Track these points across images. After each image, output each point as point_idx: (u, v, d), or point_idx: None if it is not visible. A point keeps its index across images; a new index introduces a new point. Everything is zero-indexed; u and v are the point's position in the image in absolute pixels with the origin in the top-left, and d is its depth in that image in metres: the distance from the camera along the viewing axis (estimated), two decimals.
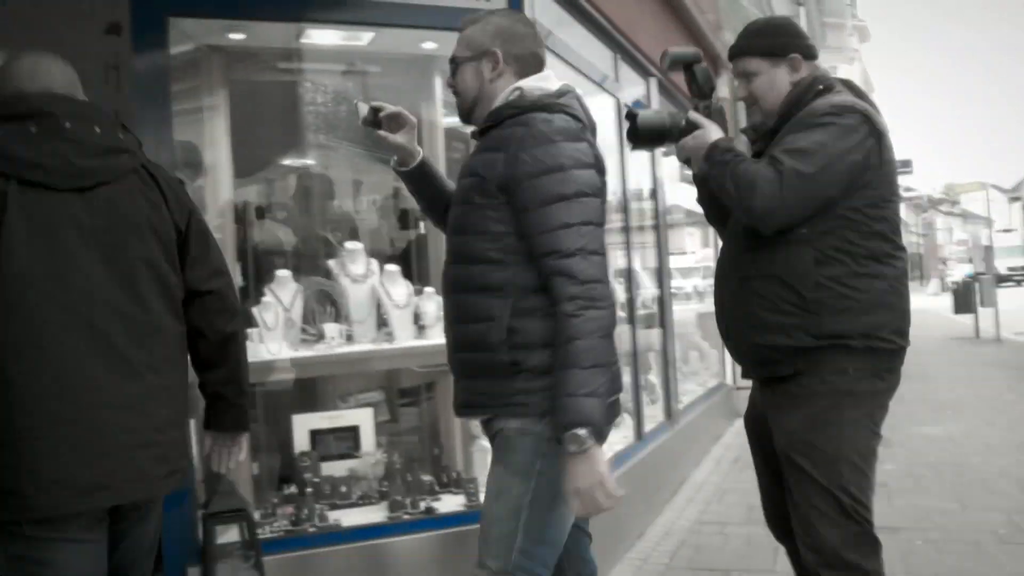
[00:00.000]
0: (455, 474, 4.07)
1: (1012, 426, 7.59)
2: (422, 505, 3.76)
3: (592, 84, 5.28)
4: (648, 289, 6.33)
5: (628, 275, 5.67)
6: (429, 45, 4.23)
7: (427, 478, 4.00)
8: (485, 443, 4.18)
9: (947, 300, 20.95)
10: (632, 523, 4.89)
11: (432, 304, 3.99)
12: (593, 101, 5.49)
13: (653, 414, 6.04)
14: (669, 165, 7.12)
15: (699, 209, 3.18)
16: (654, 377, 6.32)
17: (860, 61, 41.75)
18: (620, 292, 5.67)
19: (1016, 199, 65.89)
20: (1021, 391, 8.90)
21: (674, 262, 7.41)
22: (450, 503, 3.88)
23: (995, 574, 4.09)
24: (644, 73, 6.37)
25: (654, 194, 6.44)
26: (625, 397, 5.61)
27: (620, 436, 5.32)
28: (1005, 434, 7.25)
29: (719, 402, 8.07)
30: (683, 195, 8.26)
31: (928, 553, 4.42)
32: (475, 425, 4.23)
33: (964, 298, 17.79)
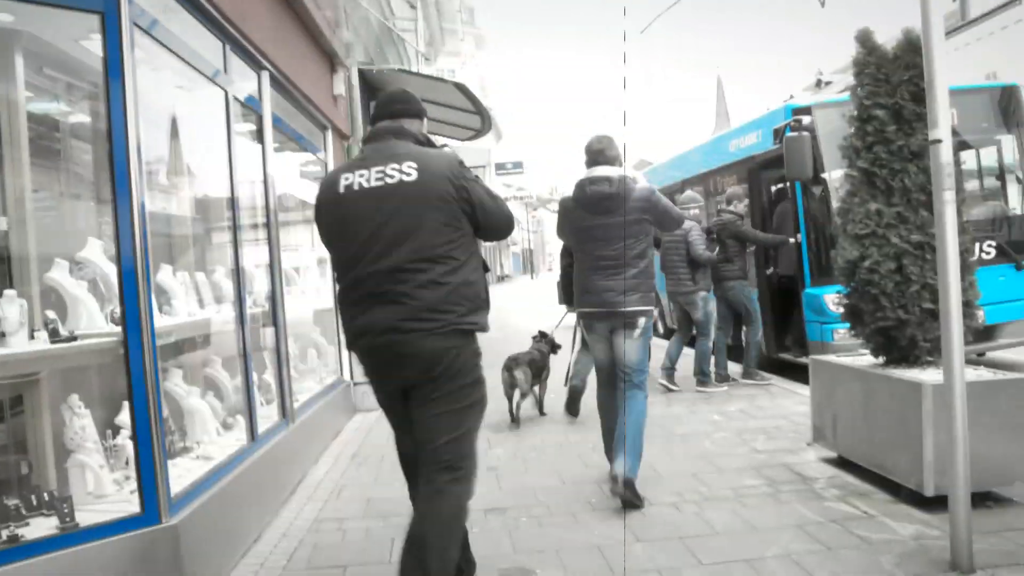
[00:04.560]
0: (47, 495, 3.71)
1: None
2: (3, 533, 3.39)
3: (199, 75, 5.04)
4: (261, 287, 6.18)
5: (237, 274, 5.49)
6: (5, 17, 3.81)
7: (12, 502, 3.59)
8: (82, 457, 3.88)
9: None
10: (248, 526, 4.77)
11: (15, 309, 3.58)
12: (201, 94, 5.24)
13: (269, 414, 5.94)
14: (282, 160, 7.01)
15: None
16: (269, 376, 6.20)
17: (477, 66, 44.32)
18: (229, 291, 5.50)
19: None
20: None
21: (290, 259, 7.31)
22: (41, 527, 3.54)
23: (587, 538, 4.54)
24: (257, 66, 6.21)
25: (265, 190, 6.30)
26: (237, 398, 5.45)
27: (233, 439, 5.16)
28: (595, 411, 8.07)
29: (338, 398, 8.12)
30: (301, 188, 8.19)
31: (531, 528, 4.80)
32: (71, 438, 3.89)
33: (565, 290, 19.48)
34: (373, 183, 3.40)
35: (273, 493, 5.40)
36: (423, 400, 3.40)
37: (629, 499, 4.98)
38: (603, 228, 5.22)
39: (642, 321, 5.20)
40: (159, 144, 5.07)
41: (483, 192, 3.49)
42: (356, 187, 3.42)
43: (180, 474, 4.24)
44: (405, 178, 3.37)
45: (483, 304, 3.48)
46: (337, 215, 3.49)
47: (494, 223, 3.55)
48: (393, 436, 3.71)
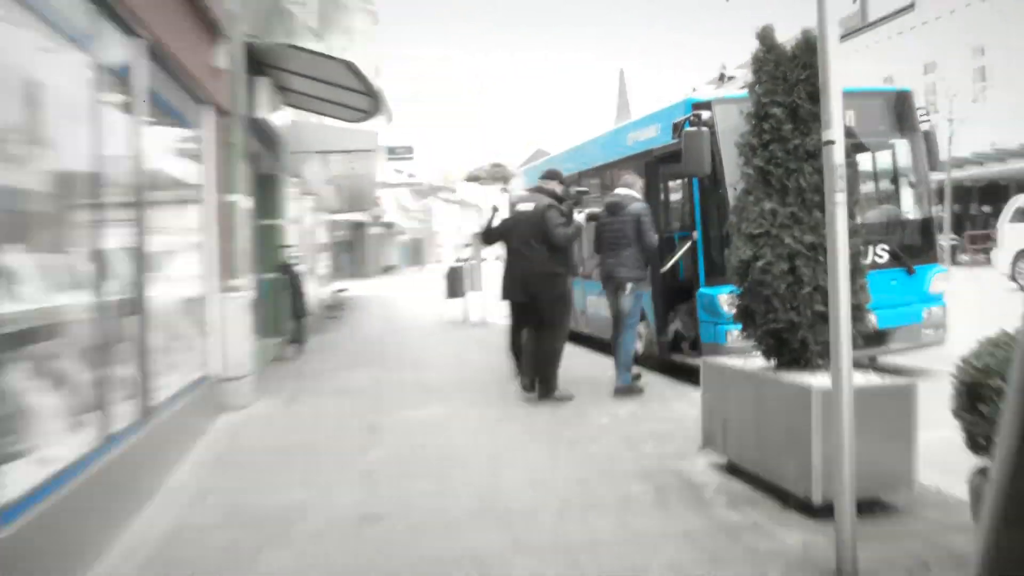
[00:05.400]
0: None
1: (490, 404, 8.28)
2: None
3: (64, 39, 4.57)
4: (123, 272, 5.70)
5: (98, 257, 5.03)
6: None
7: None
8: None
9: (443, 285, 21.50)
10: (96, 537, 4.36)
11: None
12: (66, 60, 4.79)
13: (125, 412, 5.47)
14: (155, 135, 6.51)
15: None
16: (128, 370, 5.72)
17: (371, 45, 43.43)
18: (87, 276, 5.03)
19: (505, 190, 73.65)
20: (503, 373, 9.72)
21: (158, 243, 6.81)
22: None
23: (462, 549, 4.30)
24: (130, 33, 5.73)
25: (134, 166, 5.82)
26: (90, 395, 5.00)
27: (82, 439, 4.71)
28: (483, 412, 7.85)
29: (203, 396, 7.62)
30: (174, 167, 7.68)
31: (407, 538, 4.52)
32: None
33: (454, 283, 18.16)
34: (523, 210, 8.42)
35: (127, 500, 4.97)
36: (540, 301, 8.18)
37: (623, 393, 8.27)
38: (611, 223, 8.55)
39: (629, 285, 8.36)
40: (13, 111, 4.58)
41: (551, 223, 8.09)
42: (519, 210, 8.49)
43: (15, 480, 3.80)
44: (528, 210, 8.32)
45: (559, 265, 8.22)
46: (511, 222, 8.54)
47: (552, 236, 8.11)
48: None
